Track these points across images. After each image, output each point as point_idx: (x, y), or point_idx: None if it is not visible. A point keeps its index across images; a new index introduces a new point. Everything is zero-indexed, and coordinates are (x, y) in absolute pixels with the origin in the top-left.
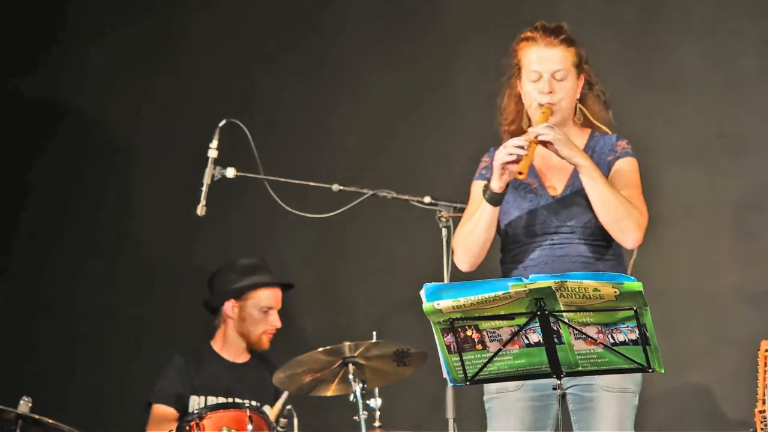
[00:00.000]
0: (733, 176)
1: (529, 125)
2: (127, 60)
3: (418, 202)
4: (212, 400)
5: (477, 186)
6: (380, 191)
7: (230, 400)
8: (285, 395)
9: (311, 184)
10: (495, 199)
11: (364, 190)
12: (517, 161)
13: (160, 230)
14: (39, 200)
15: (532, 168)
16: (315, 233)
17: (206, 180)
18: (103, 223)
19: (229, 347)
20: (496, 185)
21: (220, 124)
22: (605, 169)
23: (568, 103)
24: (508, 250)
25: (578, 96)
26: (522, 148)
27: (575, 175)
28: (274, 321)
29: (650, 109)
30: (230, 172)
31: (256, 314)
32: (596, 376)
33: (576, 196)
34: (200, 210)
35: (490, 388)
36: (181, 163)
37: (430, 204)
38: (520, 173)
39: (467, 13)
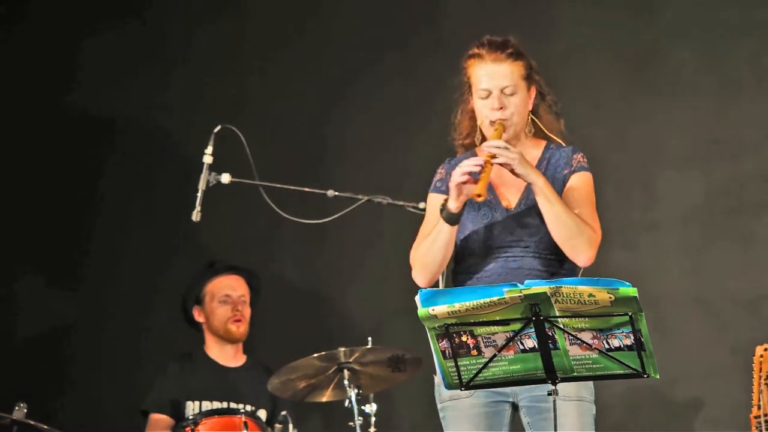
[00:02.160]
0: (728, 181)
1: (483, 140)
2: (124, 62)
3: (413, 207)
4: (207, 405)
5: (433, 199)
6: (375, 197)
7: (225, 405)
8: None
9: (306, 189)
10: (452, 219)
11: (359, 196)
12: (473, 181)
13: (155, 236)
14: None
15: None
16: (310, 239)
17: (201, 186)
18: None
19: (218, 352)
20: (453, 205)
21: (215, 130)
22: (561, 182)
23: (519, 118)
24: (462, 260)
25: (530, 108)
26: (478, 166)
27: (529, 188)
28: (236, 306)
29: (646, 114)
30: (225, 178)
31: (215, 307)
32: (549, 386)
33: (530, 210)
34: (195, 216)
35: (443, 396)
36: (177, 168)
37: (424, 210)
38: (479, 195)
39: (463, 18)
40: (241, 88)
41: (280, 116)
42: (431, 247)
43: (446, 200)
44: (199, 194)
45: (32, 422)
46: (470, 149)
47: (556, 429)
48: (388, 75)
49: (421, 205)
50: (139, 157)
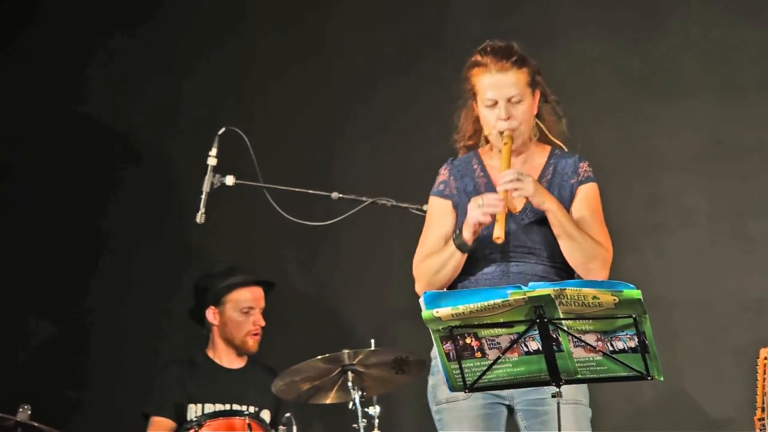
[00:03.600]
0: (732, 183)
1: (486, 142)
2: (128, 67)
3: (417, 209)
4: (210, 407)
5: (434, 202)
6: (379, 199)
7: (228, 407)
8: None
9: (310, 192)
10: (465, 249)
11: (364, 198)
12: (494, 220)
13: (156, 238)
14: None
15: (490, 185)
16: (314, 241)
17: (205, 188)
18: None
19: (222, 354)
20: (469, 237)
21: (219, 132)
22: (568, 192)
23: (526, 126)
24: (465, 262)
25: (535, 112)
26: (498, 204)
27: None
28: (257, 321)
29: (649, 116)
30: (229, 180)
31: (236, 316)
32: (545, 389)
33: (534, 215)
34: (199, 218)
35: (438, 398)
36: (181, 170)
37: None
38: (498, 238)
39: (467, 24)
40: (246, 90)
41: (284, 118)
42: (441, 271)
43: (461, 231)
44: (203, 196)
45: (36, 424)
46: (473, 150)
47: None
48: (392, 77)
49: (425, 207)
50: (145, 162)
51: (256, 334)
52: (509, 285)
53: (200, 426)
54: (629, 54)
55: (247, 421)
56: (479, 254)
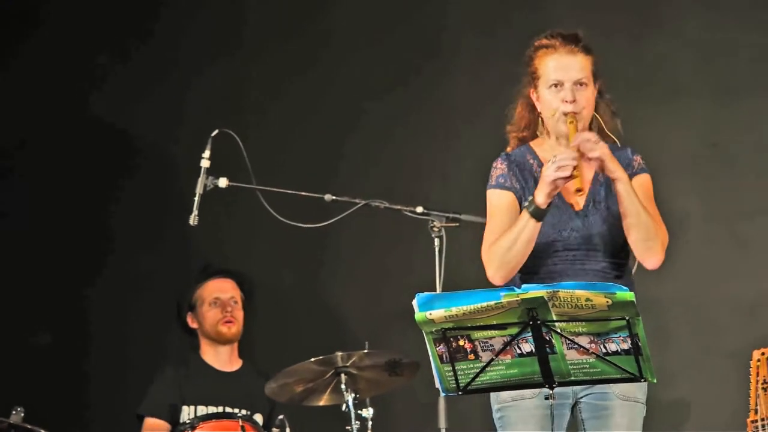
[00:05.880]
0: (725, 186)
1: (545, 133)
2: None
3: (411, 212)
4: (203, 410)
5: (496, 195)
6: (372, 201)
7: (221, 409)
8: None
9: (303, 194)
10: (539, 215)
11: (357, 200)
12: (570, 177)
13: (150, 239)
14: None
15: None
16: (308, 243)
17: (198, 190)
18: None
19: (213, 356)
20: (542, 200)
21: (213, 134)
22: None
23: (588, 112)
24: (529, 262)
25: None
26: (574, 160)
27: (595, 188)
28: (226, 307)
29: (643, 118)
30: (223, 182)
31: (206, 310)
32: (612, 385)
33: (597, 210)
34: (192, 220)
35: (503, 396)
36: (174, 172)
37: (422, 214)
38: (580, 190)
39: (461, 24)
40: (239, 92)
41: (278, 120)
42: (513, 245)
43: (534, 195)
44: (197, 198)
45: (29, 426)
46: (526, 143)
47: (553, 431)
48: (385, 78)
49: (419, 209)
50: (147, 166)
51: (228, 322)
52: (576, 282)
53: (193, 428)
54: (623, 56)
55: (240, 423)
56: (543, 252)
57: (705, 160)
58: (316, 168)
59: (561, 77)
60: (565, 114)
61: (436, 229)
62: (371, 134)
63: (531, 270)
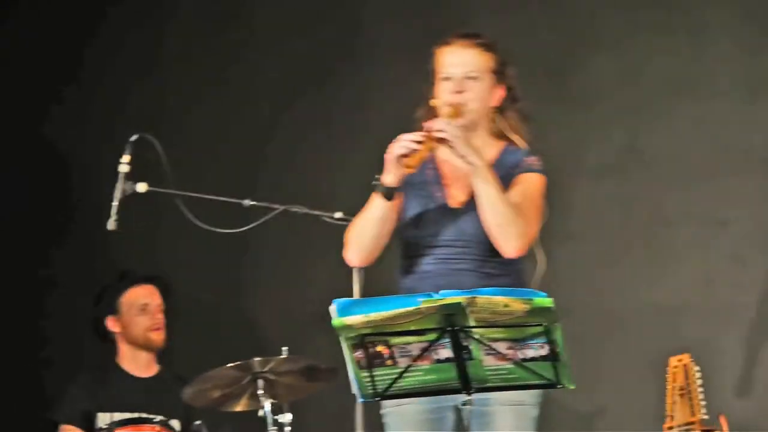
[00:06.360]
0: (643, 192)
1: None
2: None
3: (329, 217)
4: (120, 416)
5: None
6: (291, 207)
7: (137, 415)
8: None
9: (222, 199)
10: (388, 194)
11: (276, 206)
12: (410, 155)
13: (68, 243)
14: None
15: (437, 177)
16: (227, 249)
17: (117, 195)
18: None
19: (131, 362)
20: (389, 179)
21: (131, 139)
22: (507, 181)
23: (479, 105)
24: (407, 257)
25: (496, 105)
26: (417, 142)
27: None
28: (155, 315)
29: (561, 123)
30: (141, 187)
31: (134, 316)
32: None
33: (474, 208)
34: (111, 225)
35: (386, 402)
36: (95, 177)
37: (340, 219)
38: (409, 167)
39: (383, 28)
40: (159, 97)
41: (198, 125)
42: (365, 223)
43: (380, 176)
44: (115, 203)
45: None
46: None
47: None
48: (306, 84)
49: (336, 214)
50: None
51: (157, 329)
52: (448, 285)
53: None
54: (543, 60)
55: (157, 429)
56: (423, 250)
57: (623, 165)
58: (237, 173)
59: (451, 69)
60: (449, 105)
61: None
62: (292, 141)
63: (408, 270)
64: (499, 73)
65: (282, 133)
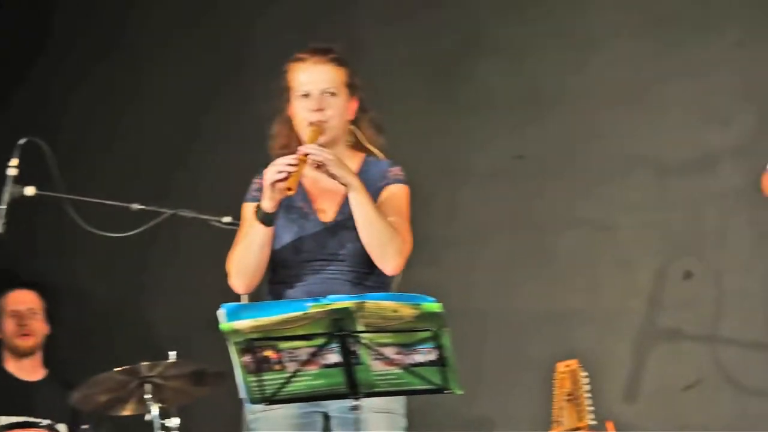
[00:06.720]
0: (532, 197)
1: (300, 145)
2: None
3: (217, 221)
4: (5, 420)
5: (248, 208)
6: (180, 211)
7: (24, 419)
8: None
9: (110, 203)
10: (267, 220)
11: (164, 210)
12: (287, 179)
13: None
14: None
15: (304, 192)
16: (115, 252)
17: (5, 198)
18: None
19: (16, 366)
20: (268, 205)
21: (20, 142)
22: (375, 195)
23: (339, 122)
24: (277, 271)
25: (351, 118)
26: (292, 165)
27: (347, 200)
28: (23, 320)
29: (449, 129)
30: (30, 191)
31: (6, 321)
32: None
33: (347, 221)
34: None
35: (254, 407)
36: None
37: (229, 224)
38: (289, 189)
39: (270, 33)
40: (53, 100)
41: (89, 129)
42: (246, 252)
43: (261, 201)
44: (3, 207)
45: None
46: None
47: None
48: (196, 89)
49: (224, 219)
50: None
51: (24, 335)
52: (317, 295)
53: None
54: (431, 66)
55: None
56: (292, 263)
57: (512, 171)
58: (127, 177)
59: (308, 87)
60: (312, 123)
61: None
62: (181, 145)
63: (281, 280)
64: (352, 86)
65: (174, 138)
